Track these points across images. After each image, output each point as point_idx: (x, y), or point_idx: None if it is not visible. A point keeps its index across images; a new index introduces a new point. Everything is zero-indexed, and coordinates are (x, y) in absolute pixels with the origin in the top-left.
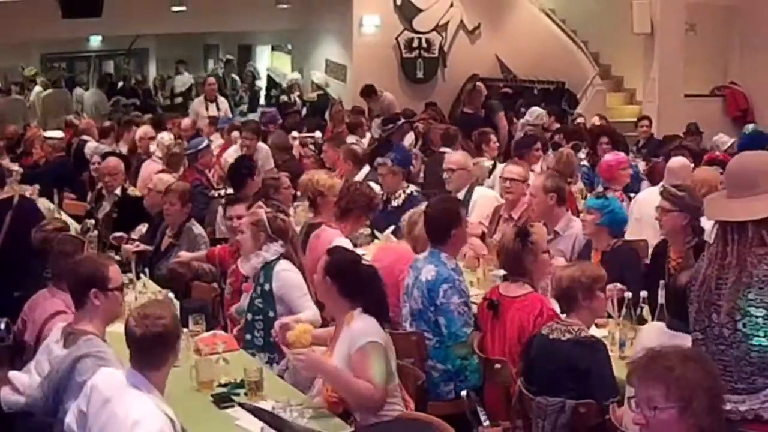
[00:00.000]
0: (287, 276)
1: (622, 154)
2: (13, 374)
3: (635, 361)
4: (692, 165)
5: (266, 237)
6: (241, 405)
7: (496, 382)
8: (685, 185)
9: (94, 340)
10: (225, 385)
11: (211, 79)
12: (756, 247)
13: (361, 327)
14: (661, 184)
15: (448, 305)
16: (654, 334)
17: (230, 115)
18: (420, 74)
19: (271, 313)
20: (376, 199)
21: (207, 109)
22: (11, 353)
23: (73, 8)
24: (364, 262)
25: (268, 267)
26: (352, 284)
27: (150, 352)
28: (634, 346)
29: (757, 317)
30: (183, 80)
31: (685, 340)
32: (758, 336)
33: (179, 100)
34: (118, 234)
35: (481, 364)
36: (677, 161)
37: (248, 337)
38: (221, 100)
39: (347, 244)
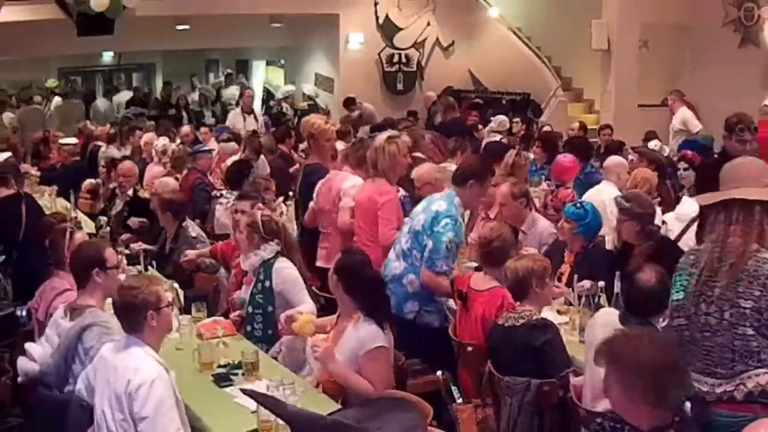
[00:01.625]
0: (286, 273)
1: (572, 156)
2: (28, 345)
3: (601, 343)
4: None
5: (260, 238)
6: (242, 391)
7: (468, 364)
8: (634, 193)
9: (96, 311)
10: (224, 366)
11: (249, 92)
12: (756, 235)
13: (370, 333)
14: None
15: (442, 235)
16: (601, 325)
17: (265, 128)
18: (400, 86)
19: (270, 308)
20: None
21: (244, 120)
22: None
23: (87, 27)
24: (370, 268)
25: (267, 264)
26: (356, 286)
27: (127, 317)
28: (585, 331)
29: (744, 308)
30: (231, 92)
31: None
32: (744, 326)
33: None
34: (126, 236)
35: (454, 346)
36: (612, 160)
37: (248, 328)
38: (257, 111)
39: (359, 180)
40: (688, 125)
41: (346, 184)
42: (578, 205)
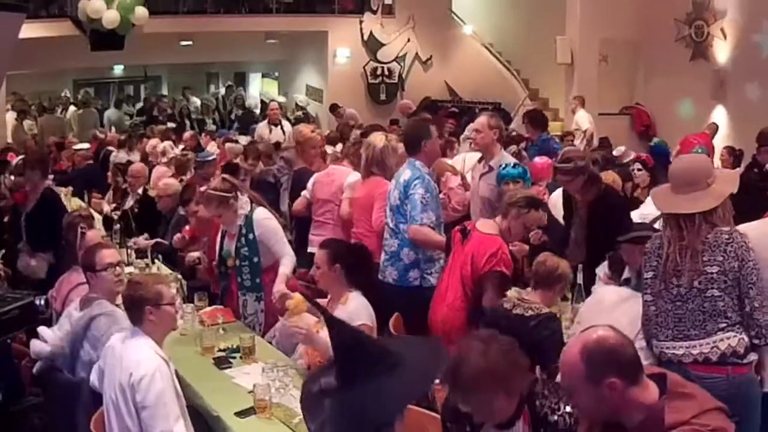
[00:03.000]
0: (266, 223)
1: (546, 159)
2: (41, 329)
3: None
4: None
5: (226, 201)
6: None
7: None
8: (568, 152)
9: (105, 303)
10: (224, 350)
11: (274, 104)
12: (704, 229)
13: (355, 308)
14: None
15: (414, 194)
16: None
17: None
18: (383, 97)
19: (256, 259)
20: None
21: (270, 131)
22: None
23: (99, 43)
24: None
25: (248, 218)
26: (353, 265)
27: (130, 310)
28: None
29: (711, 273)
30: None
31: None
32: (712, 289)
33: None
34: (132, 241)
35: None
36: (539, 161)
37: (239, 279)
38: (285, 123)
39: (357, 176)
40: (579, 123)
41: (350, 179)
42: (514, 166)
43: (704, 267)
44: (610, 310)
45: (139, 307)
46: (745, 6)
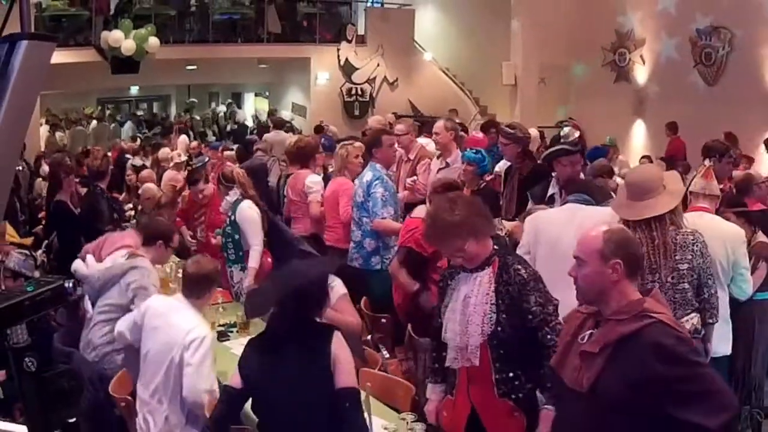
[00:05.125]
0: (246, 213)
1: (482, 134)
2: (88, 257)
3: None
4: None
5: (224, 187)
6: None
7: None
8: (515, 123)
9: (146, 261)
10: (223, 326)
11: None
12: (670, 228)
13: (339, 283)
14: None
15: (375, 193)
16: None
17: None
18: (356, 113)
19: (237, 236)
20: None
21: None
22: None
23: (118, 67)
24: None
25: (235, 205)
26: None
27: (197, 284)
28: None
29: (682, 269)
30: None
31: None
32: (683, 283)
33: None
34: None
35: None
36: (475, 135)
37: (225, 254)
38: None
39: (319, 179)
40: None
41: (308, 180)
42: (476, 151)
43: (677, 264)
44: (570, 218)
45: (206, 285)
46: (661, 36)
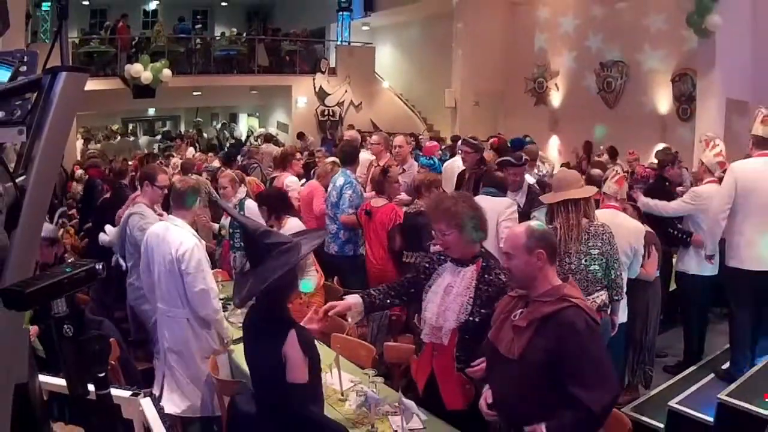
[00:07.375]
0: (252, 210)
1: (435, 142)
2: (107, 227)
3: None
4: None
5: (233, 186)
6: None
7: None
8: (474, 137)
9: (144, 207)
10: (222, 299)
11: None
12: (583, 215)
13: (289, 227)
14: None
15: (345, 195)
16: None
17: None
18: (329, 129)
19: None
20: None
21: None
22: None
23: (138, 93)
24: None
25: (242, 203)
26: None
27: (183, 196)
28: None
29: (594, 254)
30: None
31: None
32: (594, 266)
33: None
34: None
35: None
36: (429, 145)
37: (231, 242)
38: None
39: (296, 180)
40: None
41: (287, 180)
42: (428, 158)
43: (589, 249)
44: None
45: (191, 195)
46: (572, 70)
